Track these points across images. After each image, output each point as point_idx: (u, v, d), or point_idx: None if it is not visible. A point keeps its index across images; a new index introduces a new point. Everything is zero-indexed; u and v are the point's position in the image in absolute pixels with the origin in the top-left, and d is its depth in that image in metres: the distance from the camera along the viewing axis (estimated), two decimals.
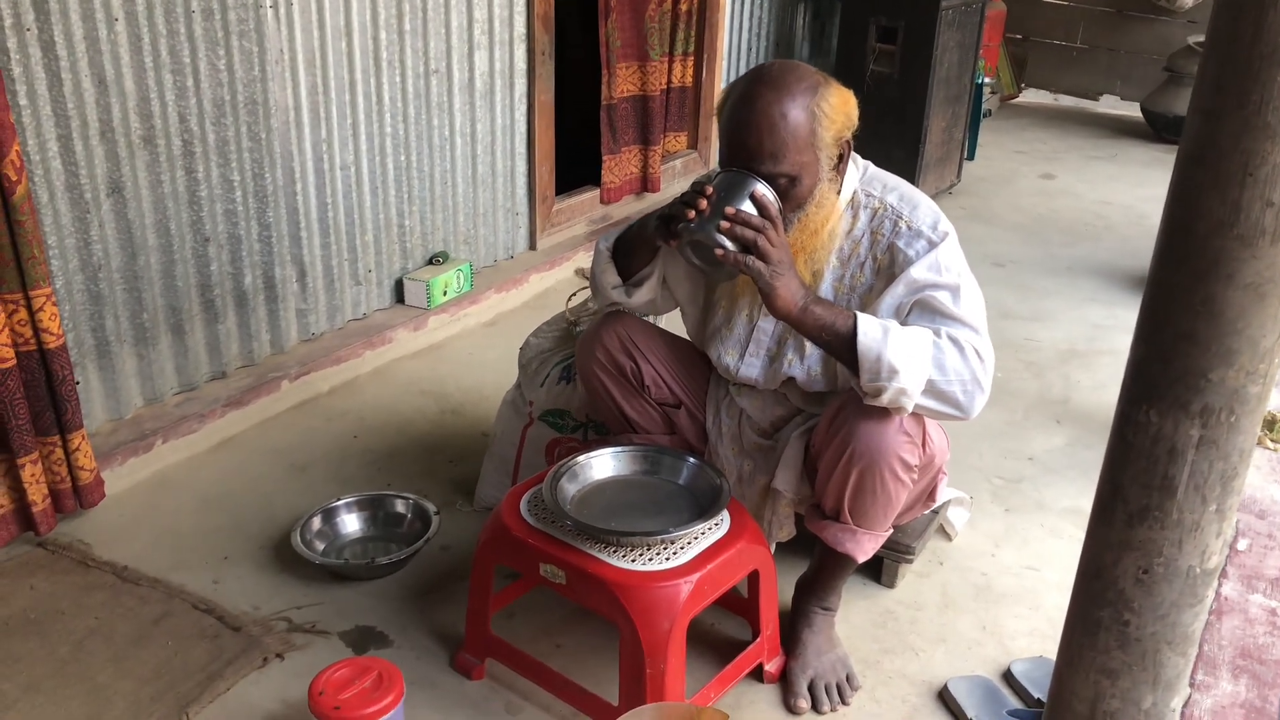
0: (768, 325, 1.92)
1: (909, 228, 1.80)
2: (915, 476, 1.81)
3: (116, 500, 2.42)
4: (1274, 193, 0.95)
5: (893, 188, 1.86)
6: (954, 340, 1.72)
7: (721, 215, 1.67)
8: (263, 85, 2.72)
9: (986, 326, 1.79)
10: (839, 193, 1.82)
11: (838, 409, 1.79)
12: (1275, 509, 2.53)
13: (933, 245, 1.78)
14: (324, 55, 2.88)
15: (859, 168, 1.87)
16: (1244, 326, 1.01)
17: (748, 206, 1.68)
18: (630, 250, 1.94)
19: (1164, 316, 1.06)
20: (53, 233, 2.33)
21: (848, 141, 1.78)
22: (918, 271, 1.76)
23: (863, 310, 1.82)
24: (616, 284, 1.97)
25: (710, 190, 1.70)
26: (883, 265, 1.82)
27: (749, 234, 1.66)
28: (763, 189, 1.70)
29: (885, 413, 1.73)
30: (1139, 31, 7.19)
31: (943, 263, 1.77)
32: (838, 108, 1.73)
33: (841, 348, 1.70)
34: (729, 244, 1.68)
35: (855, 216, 1.84)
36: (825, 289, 1.85)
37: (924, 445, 1.79)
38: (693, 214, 1.69)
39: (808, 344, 1.88)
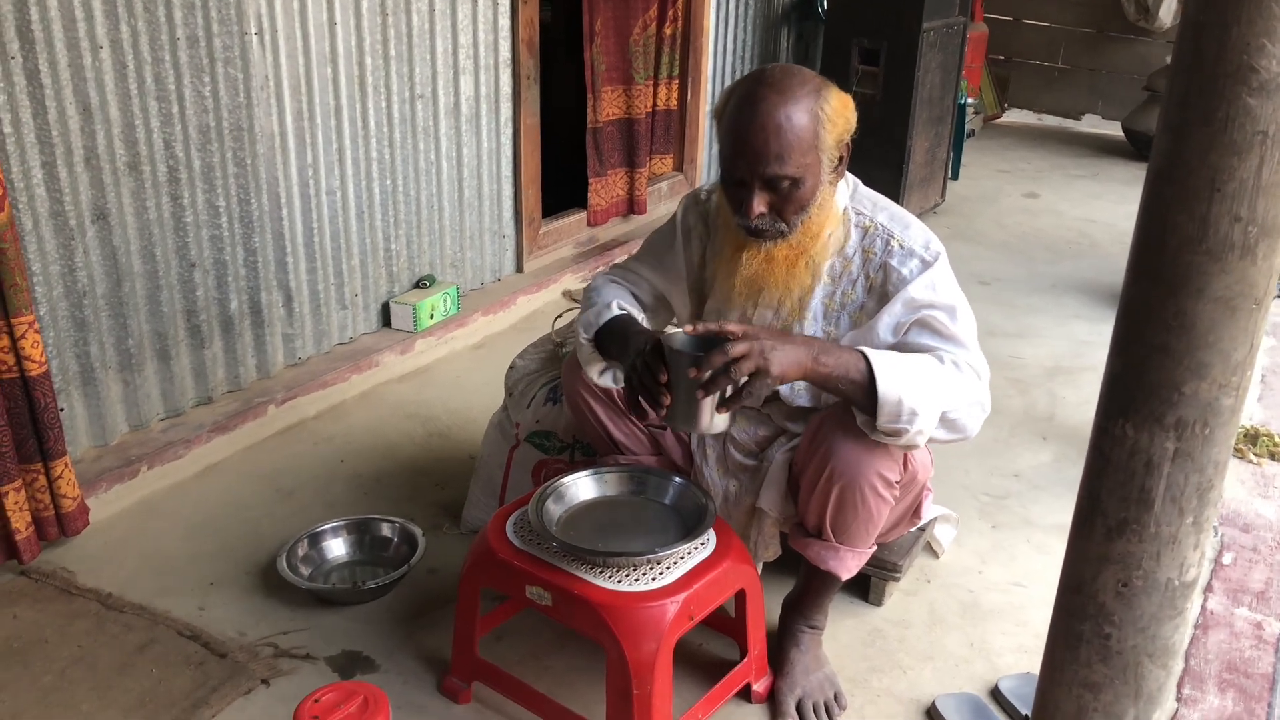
0: None
1: (901, 247, 1.81)
2: (897, 493, 1.81)
3: (101, 527, 2.41)
4: (1241, 208, 0.97)
5: (883, 207, 1.87)
6: (957, 365, 1.74)
7: (693, 394, 1.62)
8: (248, 111, 2.74)
9: (978, 343, 1.81)
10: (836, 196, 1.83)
11: (818, 426, 1.79)
12: (1260, 523, 2.54)
13: (926, 264, 1.79)
14: (309, 81, 2.90)
15: (849, 184, 1.88)
16: (1215, 340, 1.02)
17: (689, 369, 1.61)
18: (614, 341, 1.88)
19: (1137, 331, 1.07)
20: (36, 259, 2.33)
21: (848, 144, 1.78)
22: (915, 291, 1.77)
23: (854, 328, 1.83)
24: (603, 369, 1.94)
25: (664, 378, 1.66)
26: (875, 284, 1.83)
27: (724, 382, 1.61)
28: (685, 335, 1.67)
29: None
30: (1119, 52, 7.28)
31: (939, 282, 1.78)
32: (839, 110, 1.73)
33: (858, 394, 1.67)
34: (714, 407, 1.64)
35: (847, 234, 1.84)
36: (816, 305, 1.85)
37: (905, 462, 1.80)
38: (666, 402, 1.67)
39: None
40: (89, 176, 2.40)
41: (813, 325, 1.85)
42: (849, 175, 1.87)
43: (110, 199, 2.45)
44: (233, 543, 2.39)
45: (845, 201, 1.85)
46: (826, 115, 1.71)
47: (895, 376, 1.66)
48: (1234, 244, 0.98)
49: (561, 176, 4.23)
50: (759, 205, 1.72)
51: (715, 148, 4.87)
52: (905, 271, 1.79)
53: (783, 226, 1.75)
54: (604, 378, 1.96)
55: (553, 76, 4.16)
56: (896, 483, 1.79)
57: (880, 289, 1.82)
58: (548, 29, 3.98)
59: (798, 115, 1.68)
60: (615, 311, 1.90)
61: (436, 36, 3.27)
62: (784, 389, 1.90)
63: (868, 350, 1.69)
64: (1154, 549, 1.10)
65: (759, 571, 1.94)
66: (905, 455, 1.80)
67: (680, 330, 1.72)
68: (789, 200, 1.73)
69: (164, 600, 2.18)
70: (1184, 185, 0.99)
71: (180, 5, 2.50)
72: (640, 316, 1.95)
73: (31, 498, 2.24)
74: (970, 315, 1.81)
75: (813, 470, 1.78)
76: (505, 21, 3.52)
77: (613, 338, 1.87)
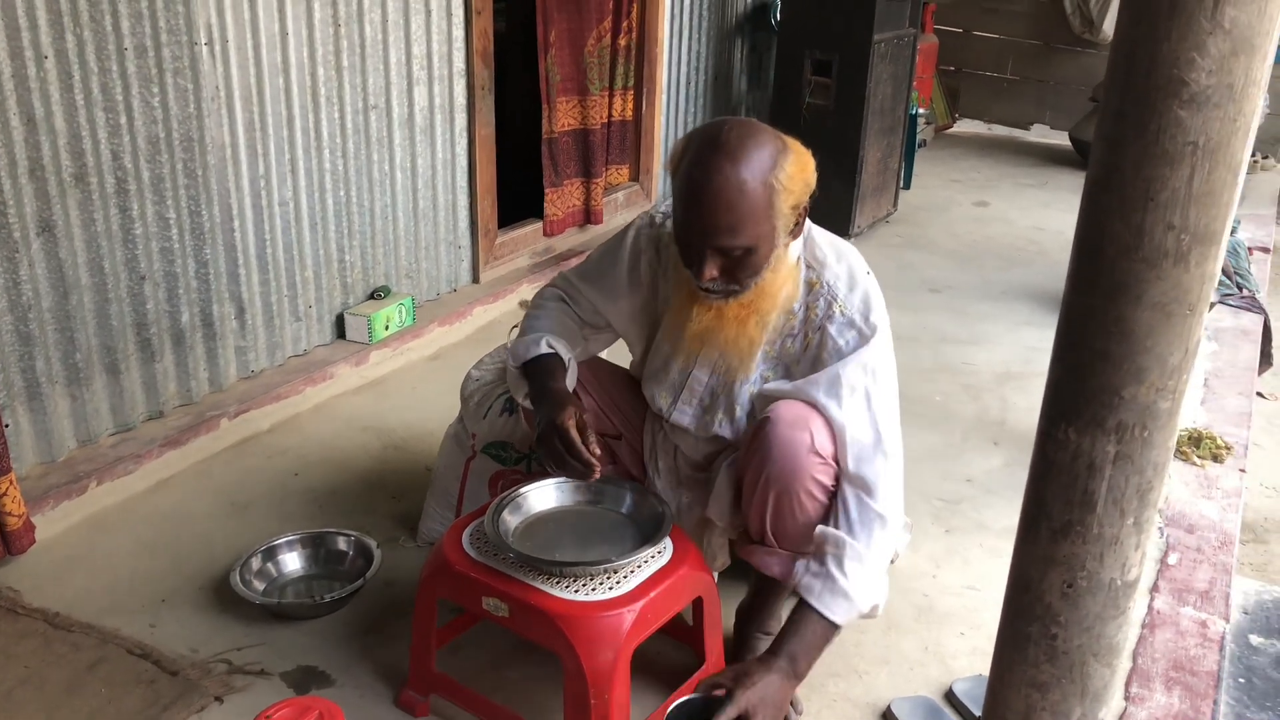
0: (702, 375, 1.92)
1: (842, 314, 1.80)
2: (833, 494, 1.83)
3: (48, 545, 2.36)
4: (1174, 216, 1.00)
5: (831, 262, 1.84)
6: (879, 518, 1.79)
7: None
8: (198, 122, 2.71)
9: (898, 420, 1.84)
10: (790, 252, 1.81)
11: (755, 433, 1.80)
12: (1204, 524, 2.60)
13: (863, 338, 1.79)
14: (261, 92, 2.88)
15: (803, 231, 1.84)
16: (1153, 345, 1.05)
17: None
18: (535, 380, 1.90)
19: (1078, 337, 1.10)
20: None
21: (805, 206, 1.75)
22: (848, 371, 1.78)
23: (785, 376, 1.85)
24: (527, 393, 1.92)
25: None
26: (811, 344, 1.82)
27: None
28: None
29: (799, 436, 1.75)
30: (1066, 63, 7.43)
31: (870, 364, 1.79)
32: (795, 177, 1.68)
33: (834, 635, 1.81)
34: None
35: (796, 286, 1.83)
36: (757, 355, 1.86)
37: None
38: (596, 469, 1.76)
39: (738, 407, 1.89)
40: (34, 188, 2.36)
41: (754, 371, 1.87)
42: None
43: (56, 211, 2.41)
44: (185, 558, 2.35)
45: (798, 252, 1.83)
46: (782, 184, 1.67)
47: (855, 610, 1.78)
48: (1168, 252, 1.01)
49: (517, 186, 4.23)
50: (710, 270, 1.70)
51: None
52: (842, 343, 1.79)
53: (734, 287, 1.75)
54: (528, 401, 1.94)
55: (508, 86, 4.16)
56: (832, 486, 1.81)
57: (815, 351, 1.82)
58: (502, 39, 3.98)
59: (751, 185, 1.64)
60: (544, 350, 1.90)
61: (390, 47, 3.26)
62: (728, 434, 1.92)
63: (823, 610, 1.76)
64: (1097, 550, 1.13)
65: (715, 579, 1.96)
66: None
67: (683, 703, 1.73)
68: (741, 266, 1.71)
69: (114, 618, 2.14)
70: (1120, 195, 1.02)
71: (128, 15, 2.48)
72: (568, 353, 1.94)
73: None
74: (894, 394, 1.84)
75: (750, 476, 1.80)
76: (459, 32, 3.51)
77: (535, 376, 1.89)
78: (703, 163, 1.66)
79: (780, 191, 1.67)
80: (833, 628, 1.78)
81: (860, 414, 1.78)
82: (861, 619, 1.83)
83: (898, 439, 1.83)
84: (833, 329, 1.80)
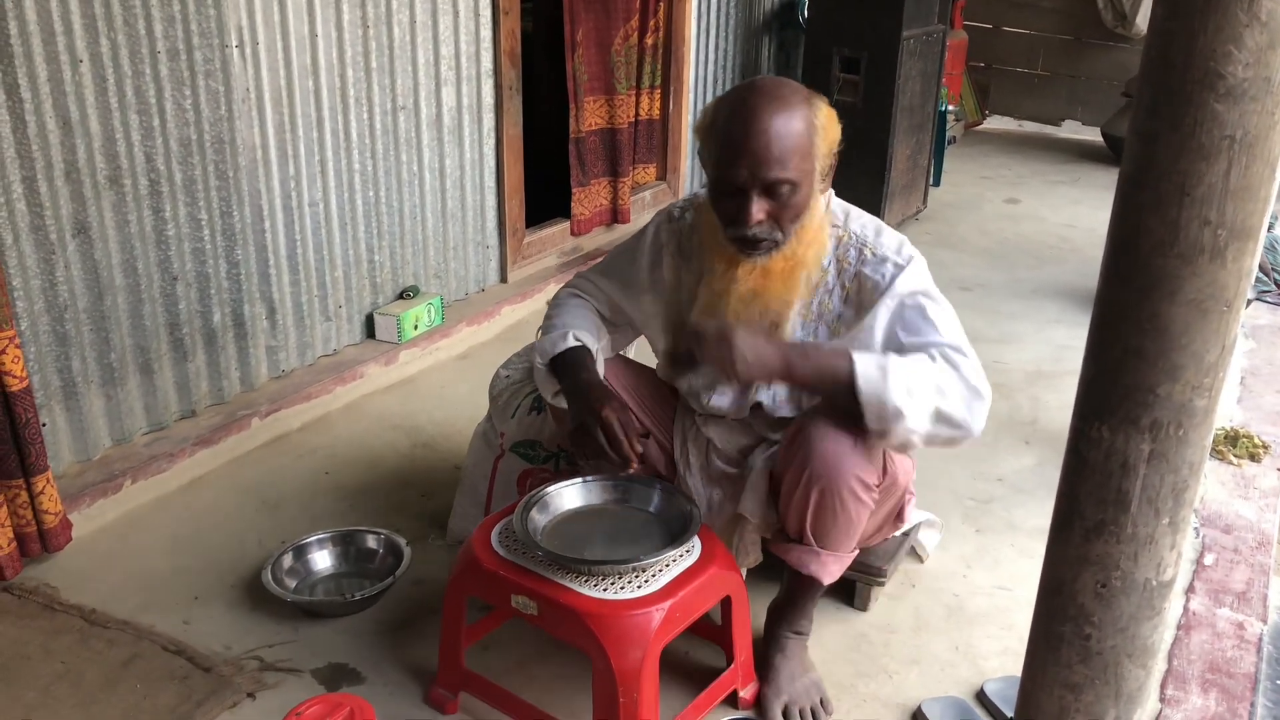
0: None
1: (874, 254, 1.82)
2: (876, 496, 1.82)
3: (84, 542, 2.39)
4: (1211, 211, 0.98)
5: (855, 216, 1.89)
6: (947, 357, 1.72)
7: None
8: (230, 124, 2.73)
9: (966, 337, 1.81)
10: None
11: (797, 430, 1.80)
12: (1241, 524, 2.57)
13: (900, 267, 1.80)
14: (291, 93, 2.90)
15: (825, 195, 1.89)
16: (1188, 342, 1.03)
17: None
18: (566, 375, 1.91)
19: (1112, 334, 1.08)
20: (17, 274, 2.32)
21: (836, 154, 1.80)
22: (901, 286, 1.78)
23: (832, 337, 1.84)
24: (556, 391, 1.93)
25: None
26: (851, 293, 1.84)
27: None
28: None
29: (844, 433, 1.74)
30: (1097, 58, 7.34)
31: (916, 287, 1.80)
32: (829, 120, 1.76)
33: (843, 394, 1.68)
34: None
35: (823, 243, 1.85)
36: (794, 315, 1.86)
37: (884, 466, 1.81)
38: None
39: None
40: (69, 190, 2.39)
41: (791, 337, 1.86)
42: None
43: (91, 213, 2.45)
44: (217, 556, 2.38)
45: (826, 204, 1.87)
46: (820, 124, 1.74)
47: (875, 377, 1.66)
48: (1204, 247, 1.00)
49: (544, 185, 4.24)
50: (758, 212, 1.71)
51: (698, 158, 4.90)
52: (878, 277, 1.80)
53: (779, 235, 1.76)
54: (557, 399, 1.95)
55: (535, 86, 4.17)
56: (875, 486, 1.80)
57: (856, 298, 1.83)
58: (529, 39, 3.99)
59: (794, 121, 1.70)
60: (571, 343, 1.91)
61: (418, 48, 3.28)
62: (765, 399, 1.91)
63: (856, 353, 1.69)
64: (1131, 550, 1.12)
65: (743, 578, 1.95)
66: (885, 458, 1.81)
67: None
68: (787, 207, 1.73)
69: (148, 615, 2.17)
70: (1155, 190, 1.01)
71: (161, 19, 2.50)
72: (595, 344, 1.94)
73: (13, 514, 2.23)
74: (952, 312, 1.82)
75: (792, 474, 1.79)
76: (487, 33, 3.53)
77: (566, 370, 1.89)
78: (745, 106, 1.71)
79: (818, 130, 1.74)
80: (849, 373, 1.67)
81: (941, 323, 1.76)
82: (878, 428, 1.68)
83: (972, 352, 1.78)
84: (868, 270, 1.82)
